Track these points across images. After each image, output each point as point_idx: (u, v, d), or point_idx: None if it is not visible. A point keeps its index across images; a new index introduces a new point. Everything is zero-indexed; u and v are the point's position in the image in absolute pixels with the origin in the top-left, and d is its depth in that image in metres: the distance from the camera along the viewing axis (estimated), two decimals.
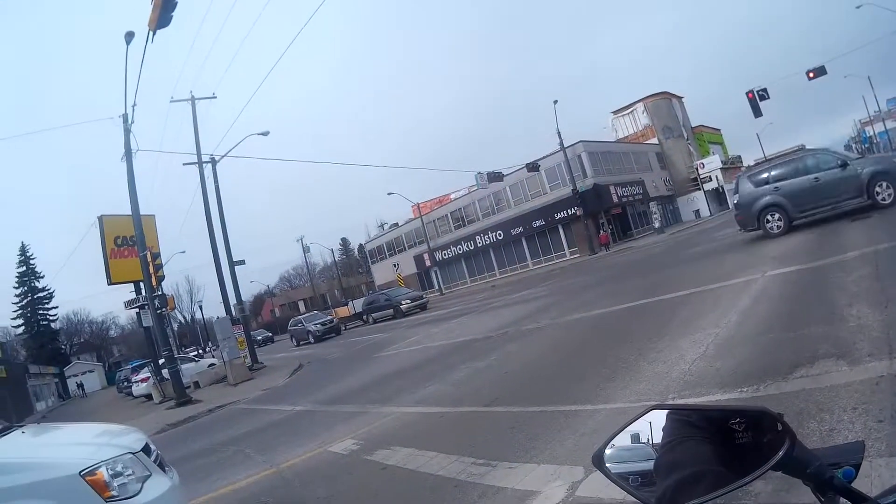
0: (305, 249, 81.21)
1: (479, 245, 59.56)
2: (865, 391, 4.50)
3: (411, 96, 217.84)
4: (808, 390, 4.93)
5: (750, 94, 34.41)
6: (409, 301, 39.46)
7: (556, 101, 45.72)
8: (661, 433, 1.20)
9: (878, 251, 9.96)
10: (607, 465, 1.26)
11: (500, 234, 56.88)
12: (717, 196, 62.86)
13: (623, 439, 1.26)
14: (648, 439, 1.22)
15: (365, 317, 43.64)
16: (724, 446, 1.12)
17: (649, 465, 1.18)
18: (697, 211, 61.80)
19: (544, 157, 50.90)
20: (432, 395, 9.97)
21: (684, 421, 1.19)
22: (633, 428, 1.26)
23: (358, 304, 48.12)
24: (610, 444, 1.28)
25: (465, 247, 61.16)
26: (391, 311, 39.50)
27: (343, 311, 49.34)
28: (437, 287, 62.85)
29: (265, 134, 33.55)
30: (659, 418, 1.23)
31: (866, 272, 8.67)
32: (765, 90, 34.46)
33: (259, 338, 65.44)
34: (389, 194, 56.64)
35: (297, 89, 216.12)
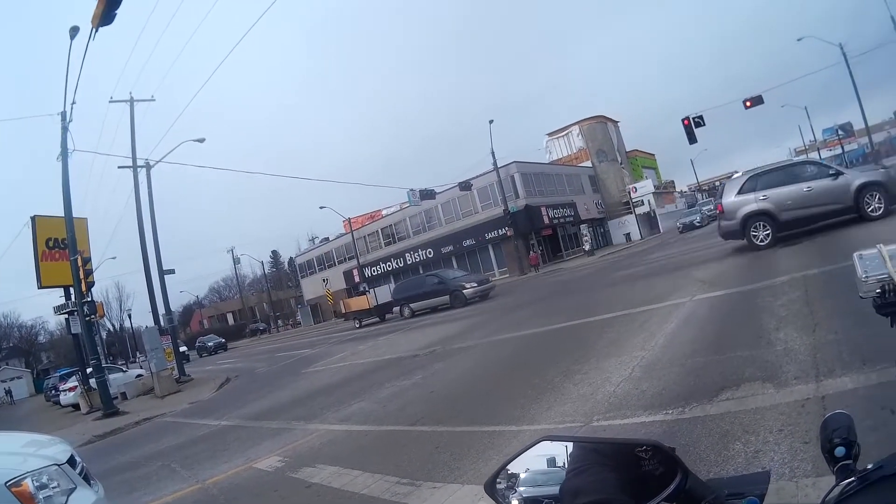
0: (236, 261, 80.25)
1: (408, 262, 59.37)
2: (792, 413, 4.57)
3: (349, 110, 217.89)
4: (733, 412, 5.01)
5: (686, 121, 35.32)
6: (474, 284, 31.60)
7: (491, 121, 46.49)
8: (568, 460, 1.21)
9: (806, 276, 10.24)
10: (518, 488, 1.27)
11: (430, 252, 57.01)
12: (649, 220, 64.35)
13: (519, 466, 1.28)
14: (555, 465, 1.24)
15: (401, 308, 34.64)
16: (629, 475, 1.11)
17: (555, 490, 1.19)
18: (628, 234, 63.02)
19: (477, 177, 51.60)
20: (358, 412, 9.99)
21: (591, 448, 1.22)
22: (527, 456, 1.27)
23: (383, 293, 38.00)
24: (503, 472, 1.30)
25: (395, 264, 61.08)
26: (447, 298, 31.52)
27: (357, 303, 39.09)
28: None
29: (201, 141, 33.64)
30: (554, 448, 1.26)
31: (795, 296, 8.90)
32: (701, 117, 35.43)
33: (210, 343, 64.34)
34: (322, 208, 56.59)
35: (238, 98, 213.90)
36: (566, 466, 1.20)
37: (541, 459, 1.26)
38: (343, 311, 40.58)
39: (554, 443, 1.27)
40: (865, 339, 5.65)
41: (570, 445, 1.23)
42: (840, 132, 74.95)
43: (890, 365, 4.94)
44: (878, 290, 1.41)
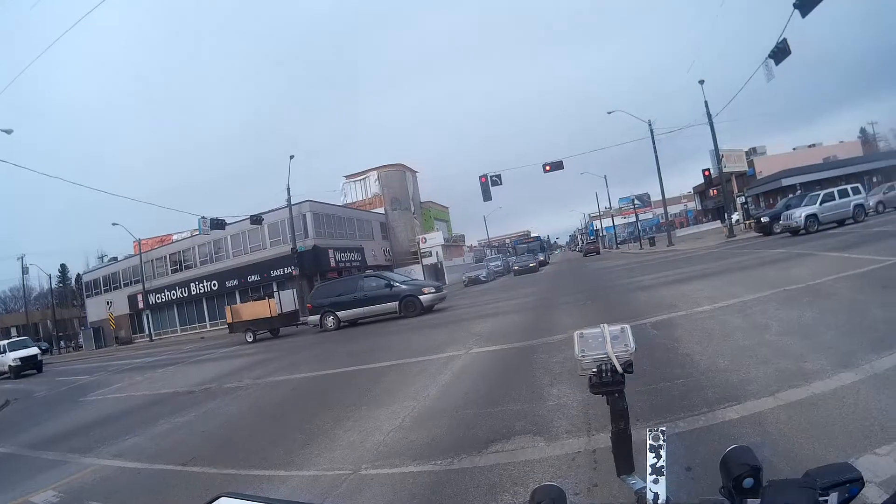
0: (25, 270, 73.08)
1: (193, 293, 56.95)
2: (562, 466, 4.73)
3: (151, 132, 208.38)
4: (503, 465, 5.12)
5: (483, 178, 36.87)
6: (432, 290, 27.41)
7: (292, 157, 45.71)
8: None
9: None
10: None
11: (214, 284, 55.15)
12: (436, 271, 65.92)
13: None
14: None
15: (323, 317, 28.19)
16: None
17: None
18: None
19: (270, 211, 50.26)
20: (131, 448, 9.57)
21: None
22: None
23: (288, 298, 32.36)
24: None
25: (179, 292, 58.19)
26: (393, 305, 26.72)
27: (253, 310, 31.50)
28: (147, 333, 59.03)
29: (8, 132, 30.13)
30: None
31: (572, 353, 9.25)
32: (498, 176, 37.12)
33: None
34: (114, 224, 53.94)
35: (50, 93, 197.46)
36: None
37: None
38: (231, 319, 31.84)
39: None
40: (638, 396, 6.02)
41: None
42: (636, 202, 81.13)
43: (661, 421, 5.26)
44: (594, 370, 1.45)
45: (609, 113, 45.44)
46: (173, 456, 8.33)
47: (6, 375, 35.98)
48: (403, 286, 27.78)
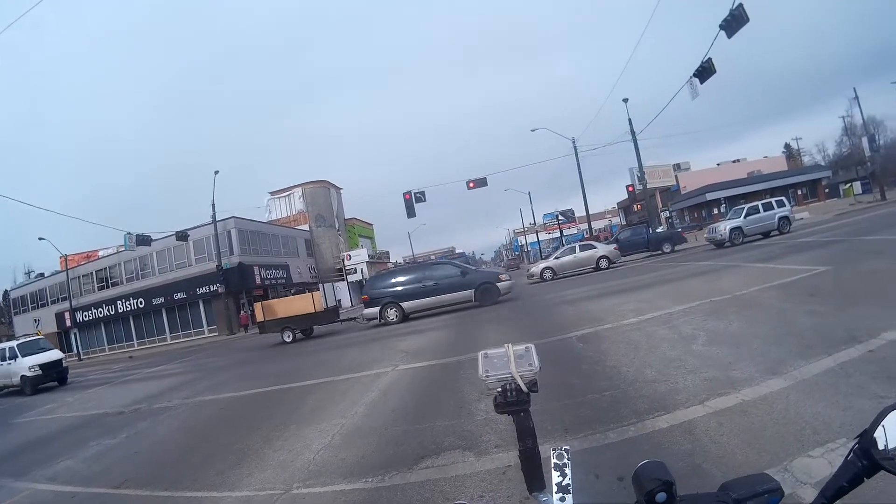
0: None
1: (120, 311, 55.70)
2: (493, 480, 4.73)
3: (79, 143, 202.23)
4: (433, 480, 5.14)
5: (407, 195, 36.94)
6: (507, 278, 25.84)
7: (216, 172, 45.11)
8: None
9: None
10: None
11: (141, 302, 54.09)
12: (361, 288, 65.50)
13: None
14: None
15: (383, 310, 25.48)
16: None
17: None
18: (339, 301, 63.78)
19: (195, 228, 49.56)
20: (64, 471, 9.39)
21: None
22: None
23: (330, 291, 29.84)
24: None
25: (106, 310, 56.81)
26: (469, 293, 24.84)
27: (292, 306, 28.07)
28: (76, 352, 56.91)
29: None
30: None
31: None
32: (422, 193, 37.20)
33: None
34: (40, 239, 51.45)
35: None
36: None
37: None
38: (262, 317, 28.31)
39: None
40: (567, 409, 6.08)
41: None
42: (561, 217, 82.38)
43: (591, 433, 5.30)
44: (499, 389, 1.45)
45: (533, 130, 46.09)
46: (107, 479, 8.23)
47: (12, 390, 27.01)
48: (478, 273, 26.87)
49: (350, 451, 6.68)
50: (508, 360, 1.48)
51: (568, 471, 1.30)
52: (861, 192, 64.03)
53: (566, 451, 1.33)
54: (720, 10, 19.62)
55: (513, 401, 1.44)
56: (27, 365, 26.35)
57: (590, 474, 4.40)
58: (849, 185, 73.29)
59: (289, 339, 26.57)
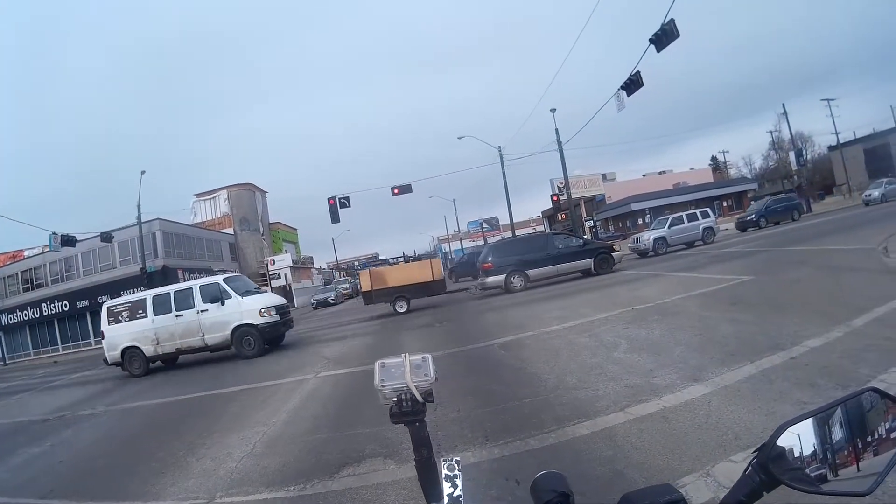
0: None
1: (45, 314, 53.63)
2: (414, 487, 4.70)
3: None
4: (354, 488, 5.15)
5: (332, 201, 36.71)
6: (619, 250, 27.09)
7: (143, 172, 43.95)
8: None
9: (436, 356, 10.84)
10: None
11: (66, 305, 52.27)
12: (285, 293, 64.96)
13: None
14: None
15: (509, 277, 25.53)
16: None
17: None
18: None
19: (121, 229, 48.04)
20: None
21: None
22: None
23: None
24: None
25: (31, 313, 54.56)
26: (588, 262, 25.42)
27: (409, 273, 26.47)
28: (1, 356, 54.64)
29: None
30: None
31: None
32: (347, 198, 37.01)
33: None
34: None
35: None
36: None
37: None
38: (370, 287, 26.23)
39: None
40: (488, 416, 6.13)
41: None
42: (485, 225, 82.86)
43: (511, 440, 5.35)
44: (394, 399, 1.45)
45: (460, 138, 46.27)
46: (33, 489, 8.05)
47: (218, 349, 19.58)
48: (595, 244, 27.92)
49: (272, 459, 6.73)
50: (405, 369, 1.48)
51: (459, 482, 1.31)
52: None
53: (457, 462, 1.34)
54: (654, 23, 19.90)
55: (408, 411, 1.43)
56: (259, 307, 20.39)
57: (509, 480, 4.43)
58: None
59: (402, 310, 25.30)
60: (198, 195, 72.42)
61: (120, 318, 19.82)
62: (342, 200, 37.02)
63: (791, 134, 63.17)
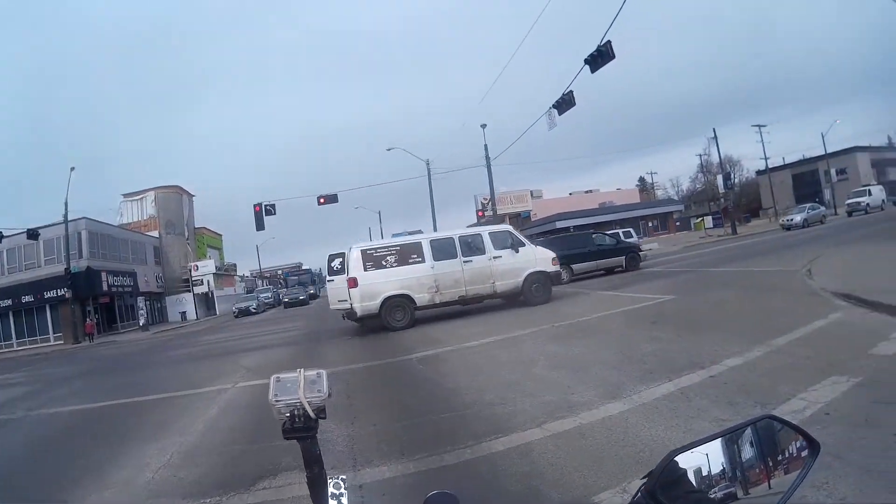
0: None
1: None
2: None
3: None
4: (270, 501, 5.14)
5: (257, 207, 36.39)
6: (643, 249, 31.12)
7: (73, 168, 42.78)
8: None
9: (351, 370, 11.12)
10: None
11: None
12: (207, 300, 64.25)
13: None
14: None
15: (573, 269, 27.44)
16: None
17: None
18: (184, 313, 61.98)
19: (47, 227, 46.38)
20: None
21: None
22: None
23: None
24: None
25: None
26: (621, 259, 28.40)
27: None
28: None
29: None
30: None
31: (337, 388, 9.28)
32: (273, 206, 36.70)
33: None
34: None
35: None
36: None
37: None
38: None
39: None
40: (404, 430, 6.15)
41: None
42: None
43: (427, 454, 5.37)
44: (287, 415, 1.45)
45: (388, 150, 46.31)
46: None
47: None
48: (625, 243, 31.40)
49: (189, 470, 6.58)
50: (299, 385, 1.46)
51: (345, 500, 1.35)
52: (712, 226, 68.03)
53: (343, 480, 1.39)
54: (591, 44, 20.10)
55: (300, 427, 1.43)
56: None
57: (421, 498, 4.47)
58: (700, 219, 77.86)
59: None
60: (125, 195, 70.49)
61: (383, 263, 17.94)
62: (268, 207, 36.70)
63: (720, 157, 64.97)
